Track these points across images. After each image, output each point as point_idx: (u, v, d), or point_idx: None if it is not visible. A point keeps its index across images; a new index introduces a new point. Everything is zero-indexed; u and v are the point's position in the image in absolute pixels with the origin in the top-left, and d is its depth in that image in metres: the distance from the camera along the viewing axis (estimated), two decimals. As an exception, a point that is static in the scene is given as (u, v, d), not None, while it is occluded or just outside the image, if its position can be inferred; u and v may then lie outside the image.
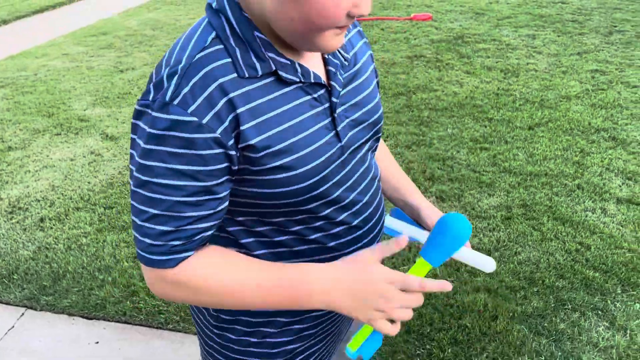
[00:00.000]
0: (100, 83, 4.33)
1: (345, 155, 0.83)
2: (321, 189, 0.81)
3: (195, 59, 0.70)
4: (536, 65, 4.49)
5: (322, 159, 0.79)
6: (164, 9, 6.72)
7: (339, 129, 0.81)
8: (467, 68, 4.51)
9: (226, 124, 0.70)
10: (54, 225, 2.71)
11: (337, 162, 0.82)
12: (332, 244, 0.88)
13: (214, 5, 0.75)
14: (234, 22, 0.73)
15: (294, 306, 0.79)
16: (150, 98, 0.70)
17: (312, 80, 0.77)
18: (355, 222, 0.89)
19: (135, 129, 0.73)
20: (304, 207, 0.81)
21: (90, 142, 3.44)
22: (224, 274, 0.77)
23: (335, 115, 0.81)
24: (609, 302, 2.10)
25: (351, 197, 0.87)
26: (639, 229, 2.46)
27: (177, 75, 0.69)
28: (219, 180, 0.73)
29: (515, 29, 5.49)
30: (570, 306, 2.09)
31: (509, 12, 6.07)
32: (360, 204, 0.89)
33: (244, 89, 0.72)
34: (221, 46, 0.72)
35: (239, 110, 0.71)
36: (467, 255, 0.91)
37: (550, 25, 5.53)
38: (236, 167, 0.74)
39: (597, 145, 3.17)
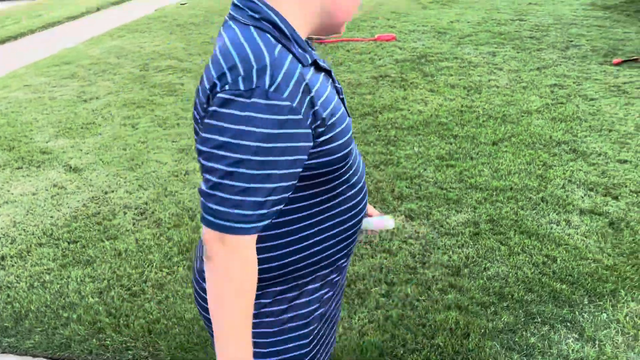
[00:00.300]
0: (63, 114, 4.26)
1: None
2: (350, 157, 1.00)
3: (276, 55, 0.86)
4: (497, 82, 4.60)
5: (350, 132, 0.99)
6: (129, 37, 6.68)
7: (346, 107, 1.02)
8: (431, 86, 4.59)
9: (307, 104, 0.87)
10: (15, 262, 2.62)
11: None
12: (350, 204, 1.05)
13: (253, 15, 0.90)
14: (282, 25, 0.90)
15: (217, 346, 0.93)
16: (242, 88, 0.83)
17: (328, 68, 1.00)
18: (361, 184, 1.09)
19: (221, 116, 0.83)
20: (338, 174, 0.99)
21: (53, 174, 3.37)
22: (238, 294, 0.89)
23: (342, 96, 1.04)
24: (577, 313, 2.13)
25: (358, 162, 1.08)
26: (602, 239, 2.52)
27: (268, 68, 0.84)
28: (305, 155, 0.89)
29: (476, 46, 5.63)
30: (539, 319, 2.11)
31: (470, 31, 6.23)
32: (361, 169, 1.10)
33: (308, 76, 0.90)
34: (280, 44, 0.89)
35: (312, 93, 0.88)
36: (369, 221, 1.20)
37: (510, 42, 5.69)
38: (311, 143, 0.90)
39: (559, 158, 3.25)
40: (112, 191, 3.13)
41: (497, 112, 3.98)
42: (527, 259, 2.43)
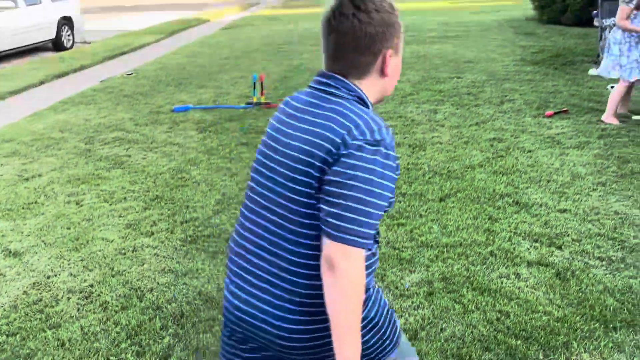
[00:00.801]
0: (3, 195, 4.09)
1: None
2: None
3: (383, 121, 1.23)
4: (440, 138, 4.78)
5: None
6: (73, 110, 6.60)
7: None
8: (378, 145, 4.71)
9: None
10: (-54, 363, 2.42)
11: None
12: None
13: (350, 92, 1.26)
14: (367, 101, 1.28)
15: (338, 347, 1.14)
16: (379, 139, 1.17)
17: None
18: None
19: (355, 157, 1.14)
20: None
21: (-9, 260, 3.19)
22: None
23: None
24: (533, 369, 2.14)
25: None
26: (550, 291, 2.58)
27: (385, 131, 1.20)
28: None
29: (418, 105, 5.88)
30: (498, 379, 2.11)
31: (411, 90, 6.52)
32: None
33: None
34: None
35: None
36: None
37: (449, 99, 5.97)
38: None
39: (503, 211, 3.36)
40: (55, 275, 2.99)
41: (442, 168, 4.12)
42: (481, 316, 2.45)
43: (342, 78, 1.25)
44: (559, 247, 2.92)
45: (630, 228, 3.07)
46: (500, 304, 2.52)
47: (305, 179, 1.20)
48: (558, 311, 2.44)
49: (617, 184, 3.62)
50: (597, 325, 2.33)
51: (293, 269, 1.22)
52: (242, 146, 4.92)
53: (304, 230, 1.21)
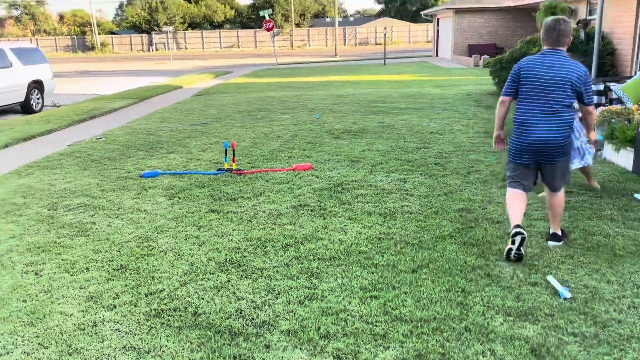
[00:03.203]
0: (-44, 263, 3.87)
1: None
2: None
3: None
4: (410, 207, 4.83)
5: None
6: (38, 174, 6.44)
7: None
8: (349, 214, 4.72)
9: None
10: None
11: None
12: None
13: (566, 56, 3.63)
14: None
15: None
16: (588, 74, 3.64)
17: None
18: None
19: (590, 80, 3.71)
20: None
21: (-63, 337, 2.95)
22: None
23: None
24: None
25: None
26: (527, 368, 2.53)
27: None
28: None
29: (387, 173, 5.97)
30: None
31: (380, 159, 6.64)
32: None
33: None
34: None
35: None
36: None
37: (417, 169, 6.09)
38: None
39: (476, 284, 3.35)
40: (7, 353, 2.78)
41: (413, 238, 4.12)
42: (458, 396, 2.37)
43: (562, 49, 3.60)
44: (533, 322, 2.90)
45: (601, 302, 3.09)
46: (477, 382, 2.45)
47: (565, 88, 3.53)
48: (535, 390, 2.38)
49: (584, 257, 3.68)
50: (575, 404, 2.28)
51: (563, 117, 3.59)
52: (212, 213, 4.85)
53: (565, 106, 3.57)
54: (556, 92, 3.53)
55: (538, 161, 3.68)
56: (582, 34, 11.14)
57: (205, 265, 3.77)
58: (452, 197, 5.08)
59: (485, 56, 22.87)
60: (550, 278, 3.35)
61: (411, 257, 3.78)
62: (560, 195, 3.82)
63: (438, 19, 31.99)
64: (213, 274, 3.64)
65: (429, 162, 6.39)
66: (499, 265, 3.58)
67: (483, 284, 3.35)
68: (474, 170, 5.97)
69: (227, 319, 3.06)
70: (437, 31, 32.39)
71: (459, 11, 26.71)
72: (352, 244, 4.07)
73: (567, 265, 3.58)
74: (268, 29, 31.43)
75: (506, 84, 3.77)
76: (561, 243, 3.87)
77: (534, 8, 22.15)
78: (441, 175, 5.85)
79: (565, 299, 3.13)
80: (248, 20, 71.92)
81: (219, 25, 69.50)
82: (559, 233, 3.90)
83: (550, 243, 3.88)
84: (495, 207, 4.75)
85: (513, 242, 3.55)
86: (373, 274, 3.56)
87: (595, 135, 3.87)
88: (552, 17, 3.62)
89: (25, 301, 3.32)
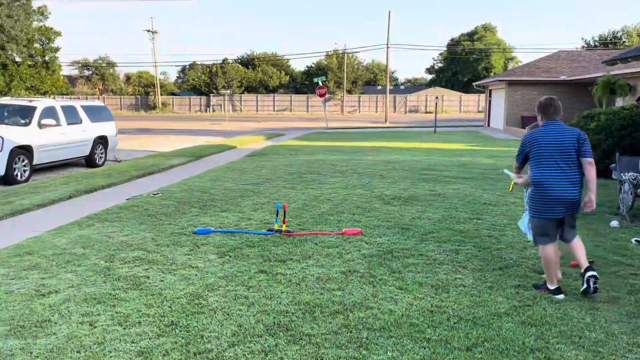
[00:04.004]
0: (18, 309, 4.02)
1: None
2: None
3: None
4: (463, 281, 4.69)
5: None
6: (97, 226, 6.71)
7: None
8: (399, 284, 4.63)
9: None
10: None
11: None
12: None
13: (563, 124, 4.36)
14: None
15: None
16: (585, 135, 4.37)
17: None
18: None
19: (588, 140, 4.35)
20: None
21: (-6, 382, 3.04)
22: None
23: None
24: None
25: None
26: None
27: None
28: None
29: (439, 243, 5.86)
30: None
31: (431, 228, 6.55)
32: None
33: None
34: None
35: None
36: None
37: (470, 240, 5.96)
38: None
39: (535, 367, 3.17)
40: (58, 404, 2.81)
41: (467, 313, 3.98)
42: None
43: (560, 120, 4.32)
44: (600, 415, 2.70)
45: (676, 398, 2.85)
46: None
47: (573, 149, 4.21)
48: None
49: (654, 346, 3.44)
50: None
51: (577, 176, 4.25)
52: (261, 274, 4.87)
53: (576, 165, 4.23)
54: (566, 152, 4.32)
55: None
56: (642, 110, 10.89)
57: (254, 327, 3.75)
58: (507, 272, 4.92)
59: (538, 128, 22.63)
60: (617, 367, 3.13)
61: (465, 333, 3.64)
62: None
63: (490, 90, 32.17)
64: (261, 337, 3.61)
65: (482, 234, 6.25)
66: (560, 349, 3.39)
67: (543, 368, 3.16)
68: (530, 245, 5.78)
69: (275, 385, 3.00)
70: (489, 101, 32.49)
71: (511, 83, 26.82)
72: (402, 315, 3.96)
73: (635, 354, 3.34)
74: (321, 95, 32.46)
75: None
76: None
77: (589, 83, 22.00)
78: (496, 248, 5.69)
79: (635, 391, 2.90)
80: (301, 85, 74.68)
81: (274, 90, 72.45)
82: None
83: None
84: (553, 285, 4.54)
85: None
86: (425, 349, 3.43)
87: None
88: (545, 97, 4.49)
89: (79, 352, 3.38)
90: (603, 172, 10.80)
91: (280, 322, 3.84)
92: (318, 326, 3.77)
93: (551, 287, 4.38)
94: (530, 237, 4.84)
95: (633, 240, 5.94)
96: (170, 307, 4.10)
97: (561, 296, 4.28)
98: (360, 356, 3.34)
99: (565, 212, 4.31)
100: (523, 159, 4.51)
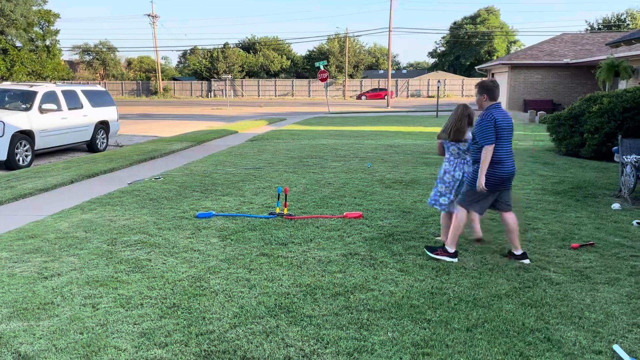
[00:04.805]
0: (20, 292, 4.05)
1: None
2: None
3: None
4: (464, 263, 4.70)
5: None
6: (99, 210, 6.72)
7: None
8: (400, 266, 4.64)
9: None
10: None
11: None
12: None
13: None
14: None
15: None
16: None
17: None
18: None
19: None
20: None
21: (-2, 362, 3.07)
22: None
23: None
24: None
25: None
26: None
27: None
28: None
29: (440, 226, 5.86)
30: None
31: (433, 211, 6.55)
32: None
33: None
34: None
35: None
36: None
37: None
38: None
39: (535, 348, 3.19)
40: (62, 384, 2.84)
41: (468, 295, 4.00)
42: None
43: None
44: (598, 393, 2.72)
45: (674, 377, 2.87)
46: None
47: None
48: None
49: (653, 326, 3.45)
50: None
51: None
52: (263, 257, 4.89)
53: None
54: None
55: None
56: (645, 93, 10.80)
57: (255, 309, 3.77)
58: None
59: (541, 112, 22.52)
60: (616, 347, 3.15)
61: (465, 314, 3.66)
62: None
63: (493, 74, 31.97)
64: (262, 318, 3.63)
65: (484, 218, 6.24)
66: (560, 330, 3.41)
67: (543, 348, 3.18)
68: (531, 228, 5.79)
69: (276, 365, 3.02)
70: (491, 85, 32.22)
71: (514, 67, 26.63)
72: (403, 296, 3.98)
73: (635, 334, 3.36)
74: (322, 79, 32.29)
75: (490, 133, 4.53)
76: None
77: (593, 66, 21.82)
78: (497, 231, 5.69)
79: (633, 371, 2.93)
80: (303, 70, 74.22)
81: (275, 74, 72.05)
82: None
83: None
84: (555, 267, 4.56)
85: None
86: (425, 329, 3.45)
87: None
88: (489, 79, 4.69)
89: (82, 333, 3.41)
90: (605, 155, 10.78)
91: (281, 303, 3.87)
92: (319, 308, 3.79)
93: (451, 250, 4.75)
94: (447, 210, 5.14)
95: (634, 222, 5.93)
96: (172, 290, 4.13)
97: (456, 259, 4.71)
98: (361, 337, 3.37)
99: (509, 184, 4.73)
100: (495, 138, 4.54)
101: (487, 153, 4.51)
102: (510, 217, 4.74)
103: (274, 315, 3.67)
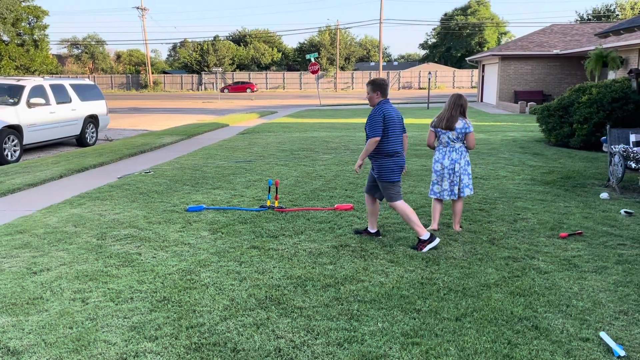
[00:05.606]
0: (9, 288, 4.02)
1: None
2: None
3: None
4: (454, 253, 4.73)
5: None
6: (89, 204, 6.68)
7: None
8: (390, 257, 4.66)
9: None
10: None
11: None
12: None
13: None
14: None
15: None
16: None
17: None
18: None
19: None
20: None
21: (-13, 358, 3.06)
22: None
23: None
24: None
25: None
26: None
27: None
28: None
29: (430, 217, 5.88)
30: None
31: (423, 202, 6.57)
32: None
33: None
34: None
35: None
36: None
37: (462, 214, 5.98)
38: None
39: (523, 336, 3.22)
40: (51, 378, 2.84)
41: (457, 284, 4.03)
42: None
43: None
44: (585, 380, 2.76)
45: (659, 362, 2.91)
46: None
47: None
48: None
49: (639, 314, 3.50)
50: None
51: None
52: (253, 249, 4.89)
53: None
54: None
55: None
56: (634, 84, 10.89)
57: (246, 302, 3.78)
58: (497, 244, 4.96)
59: (531, 103, 22.62)
60: (603, 334, 3.18)
61: (455, 304, 3.68)
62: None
63: (483, 65, 32.03)
64: (253, 310, 3.64)
65: (474, 208, 6.28)
66: (548, 318, 3.44)
67: (530, 336, 3.21)
68: (520, 218, 5.83)
69: (266, 357, 3.03)
70: (482, 77, 32.38)
71: (505, 58, 26.69)
72: (393, 287, 4.00)
73: (621, 322, 3.40)
74: (313, 72, 32.18)
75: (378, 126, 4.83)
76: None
77: (582, 56, 21.92)
78: (486, 221, 5.73)
79: (619, 357, 2.96)
80: (294, 62, 73.98)
81: (266, 67, 71.75)
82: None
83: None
84: (542, 256, 4.60)
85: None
86: (415, 319, 3.48)
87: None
88: (380, 78, 4.98)
89: (71, 328, 3.40)
90: (594, 145, 10.86)
91: (272, 295, 3.87)
92: (310, 299, 3.81)
93: (425, 237, 4.87)
94: (442, 197, 5.42)
95: (622, 211, 5.99)
96: (163, 283, 4.12)
97: (436, 240, 4.86)
98: (351, 328, 3.38)
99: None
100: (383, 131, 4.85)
101: (371, 143, 4.83)
102: (377, 202, 5.26)
103: (265, 307, 3.68)
